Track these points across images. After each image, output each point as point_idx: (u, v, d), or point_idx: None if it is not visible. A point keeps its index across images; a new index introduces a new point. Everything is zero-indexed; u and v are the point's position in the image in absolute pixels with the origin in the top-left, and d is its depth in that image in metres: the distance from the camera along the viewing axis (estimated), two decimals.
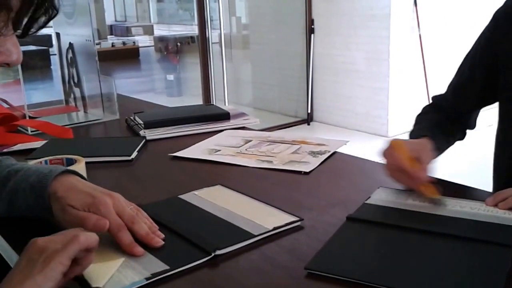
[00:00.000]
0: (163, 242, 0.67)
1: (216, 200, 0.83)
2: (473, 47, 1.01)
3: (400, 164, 0.80)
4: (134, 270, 0.61)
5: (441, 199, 0.79)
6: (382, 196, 0.82)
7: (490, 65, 0.96)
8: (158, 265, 0.63)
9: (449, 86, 1.07)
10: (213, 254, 0.65)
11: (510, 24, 0.92)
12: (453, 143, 1.02)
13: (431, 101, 1.10)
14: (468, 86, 1.01)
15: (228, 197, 0.85)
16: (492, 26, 0.96)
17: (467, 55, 1.03)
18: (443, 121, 1.01)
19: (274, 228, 0.72)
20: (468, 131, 1.07)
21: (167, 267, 0.62)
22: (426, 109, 1.08)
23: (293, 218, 0.75)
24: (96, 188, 0.70)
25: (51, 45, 8.84)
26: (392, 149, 0.83)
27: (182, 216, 0.78)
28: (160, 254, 0.65)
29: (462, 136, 1.06)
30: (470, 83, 1.01)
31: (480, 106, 1.04)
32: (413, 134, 0.96)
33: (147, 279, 0.60)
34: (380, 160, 0.87)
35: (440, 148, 0.92)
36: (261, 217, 0.76)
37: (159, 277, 0.61)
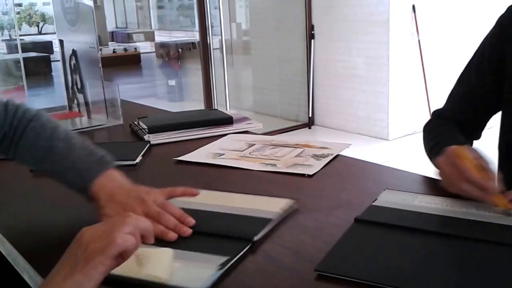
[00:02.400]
0: (191, 231, 0.72)
1: (208, 201, 0.83)
2: (475, 55, 0.99)
3: (468, 174, 0.74)
4: (200, 267, 0.63)
5: None
6: (389, 198, 0.83)
7: (498, 70, 0.95)
8: (216, 258, 0.65)
9: (451, 98, 1.03)
10: (253, 240, 0.69)
11: None
12: None
13: (431, 117, 1.06)
14: (478, 93, 0.98)
15: (217, 197, 0.86)
16: (497, 32, 0.95)
17: (469, 64, 1.00)
18: (457, 130, 0.98)
19: (284, 211, 0.78)
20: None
21: (227, 257, 0.65)
22: (434, 123, 1.03)
23: (288, 201, 0.80)
24: (130, 194, 0.76)
25: (52, 52, 8.90)
26: (456, 158, 0.77)
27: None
28: (207, 250, 0.67)
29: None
30: (480, 90, 0.98)
31: (492, 112, 1.01)
32: (442, 146, 0.85)
33: (219, 269, 0.62)
34: (437, 170, 0.82)
35: None
36: (261, 206, 0.80)
37: (227, 266, 0.63)
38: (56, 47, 1.63)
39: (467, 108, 1.00)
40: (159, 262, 0.62)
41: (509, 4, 0.94)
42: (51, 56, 8.47)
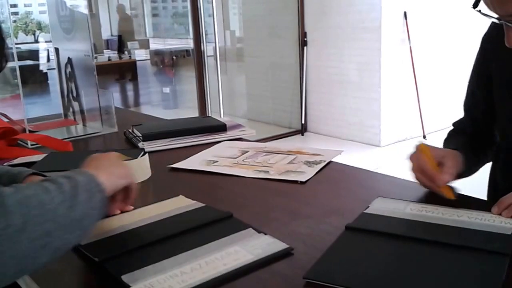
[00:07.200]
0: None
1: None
2: (471, 72, 1.06)
3: (423, 166, 0.86)
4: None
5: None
6: (381, 205, 0.83)
7: (486, 86, 1.00)
8: (246, 258, 0.68)
9: (463, 109, 1.10)
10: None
11: (496, 45, 0.96)
12: (485, 162, 1.03)
13: (452, 127, 1.11)
14: (475, 108, 1.05)
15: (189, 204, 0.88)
16: (481, 50, 1.02)
17: (468, 81, 1.07)
18: (470, 141, 1.02)
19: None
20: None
21: (254, 259, 0.68)
22: (449, 134, 1.09)
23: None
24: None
25: (48, 60, 8.88)
26: (418, 152, 0.88)
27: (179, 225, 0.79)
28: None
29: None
30: (476, 105, 1.05)
31: (490, 123, 1.04)
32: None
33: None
34: (407, 162, 0.90)
35: (470, 164, 0.93)
36: None
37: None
38: (52, 55, 1.64)
39: (472, 119, 1.06)
40: None
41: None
42: (47, 64, 8.45)
